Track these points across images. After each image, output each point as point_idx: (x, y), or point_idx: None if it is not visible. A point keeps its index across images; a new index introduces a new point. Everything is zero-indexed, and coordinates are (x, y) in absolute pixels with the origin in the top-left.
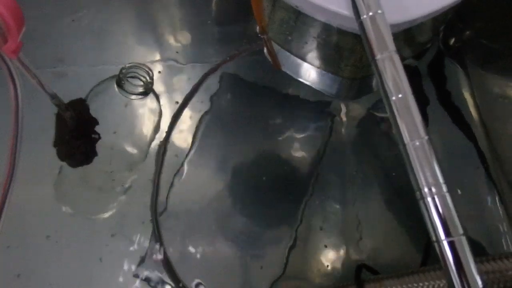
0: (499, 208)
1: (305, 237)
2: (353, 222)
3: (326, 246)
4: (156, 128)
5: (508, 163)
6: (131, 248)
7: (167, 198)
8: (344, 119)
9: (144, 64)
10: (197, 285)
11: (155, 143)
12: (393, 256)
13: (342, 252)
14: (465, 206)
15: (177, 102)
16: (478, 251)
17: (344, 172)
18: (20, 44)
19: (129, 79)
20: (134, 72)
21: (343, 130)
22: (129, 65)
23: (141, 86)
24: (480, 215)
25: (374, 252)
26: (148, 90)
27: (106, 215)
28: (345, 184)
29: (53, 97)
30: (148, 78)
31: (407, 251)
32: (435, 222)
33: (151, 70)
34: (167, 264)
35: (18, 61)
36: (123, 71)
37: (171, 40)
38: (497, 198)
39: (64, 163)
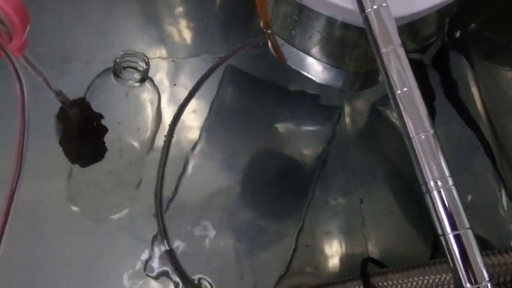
0: (506, 201)
1: (311, 231)
2: (359, 216)
3: (332, 240)
4: (159, 117)
5: None
6: (141, 244)
7: (174, 192)
8: (349, 113)
9: (136, 51)
10: (203, 279)
11: (160, 136)
12: (401, 249)
13: (348, 246)
14: (471, 200)
15: (181, 97)
16: (485, 245)
17: (349, 166)
18: (25, 42)
19: (125, 67)
20: (129, 61)
21: (348, 124)
22: (122, 53)
23: (138, 72)
24: (486, 209)
25: (382, 246)
26: (145, 76)
27: (117, 209)
28: (350, 178)
29: (59, 94)
30: (144, 64)
31: (416, 244)
32: (441, 215)
33: (146, 56)
34: (173, 260)
35: (23, 59)
36: (117, 60)
37: (175, 35)
38: (503, 191)
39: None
